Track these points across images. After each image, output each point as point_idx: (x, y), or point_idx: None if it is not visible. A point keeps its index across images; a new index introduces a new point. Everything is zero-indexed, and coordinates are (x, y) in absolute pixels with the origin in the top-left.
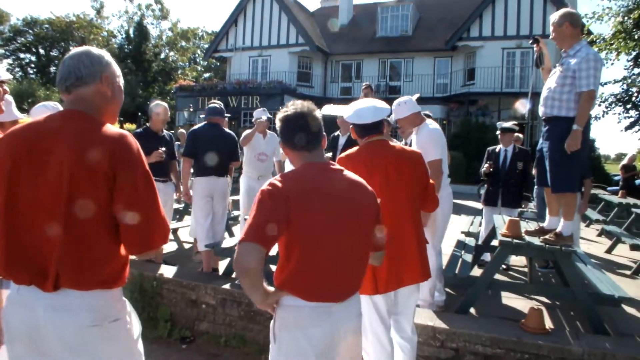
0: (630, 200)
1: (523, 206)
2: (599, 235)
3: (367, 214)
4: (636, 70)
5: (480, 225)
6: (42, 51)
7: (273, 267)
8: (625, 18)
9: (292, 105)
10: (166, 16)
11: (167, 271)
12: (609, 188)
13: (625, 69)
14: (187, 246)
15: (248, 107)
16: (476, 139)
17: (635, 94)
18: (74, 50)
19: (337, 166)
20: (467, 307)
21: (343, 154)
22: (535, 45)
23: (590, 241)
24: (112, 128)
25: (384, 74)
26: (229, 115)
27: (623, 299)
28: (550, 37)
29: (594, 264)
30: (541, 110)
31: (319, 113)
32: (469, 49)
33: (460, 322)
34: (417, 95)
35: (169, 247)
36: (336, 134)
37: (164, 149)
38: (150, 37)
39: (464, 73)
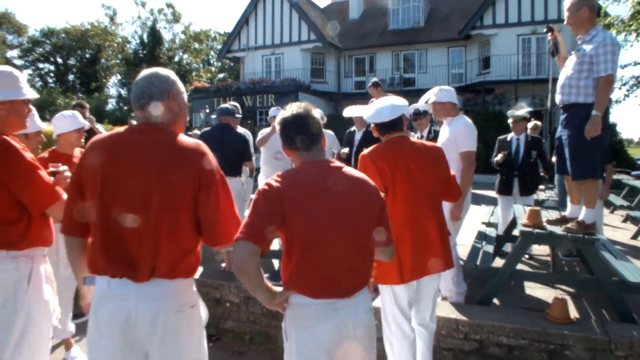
0: None
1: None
2: (624, 221)
3: (369, 209)
4: None
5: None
6: (60, 60)
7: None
8: None
9: (291, 107)
10: (178, 19)
11: None
12: (633, 172)
13: None
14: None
15: (263, 106)
16: (494, 128)
17: None
18: (144, 71)
19: (337, 164)
20: (490, 298)
21: (365, 151)
22: (549, 34)
23: (615, 228)
24: (188, 139)
25: (398, 67)
26: (240, 115)
27: None
28: (565, 22)
29: (619, 251)
30: (558, 98)
31: (317, 113)
32: (483, 37)
33: (483, 314)
34: (437, 89)
35: None
36: (352, 129)
37: None
38: (163, 41)
39: (479, 62)
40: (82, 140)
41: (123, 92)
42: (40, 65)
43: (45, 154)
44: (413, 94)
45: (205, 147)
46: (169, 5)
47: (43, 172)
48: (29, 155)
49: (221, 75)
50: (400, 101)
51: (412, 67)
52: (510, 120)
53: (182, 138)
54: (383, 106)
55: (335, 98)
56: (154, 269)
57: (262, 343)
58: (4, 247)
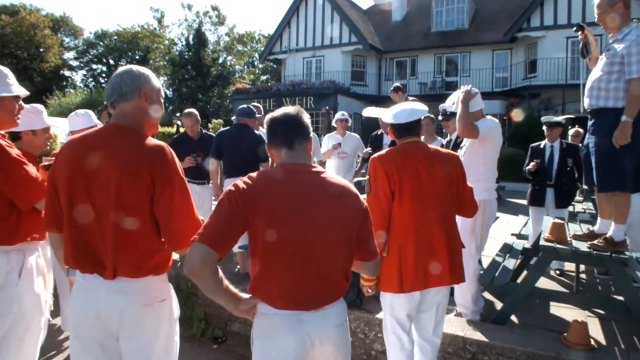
0: None
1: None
2: None
3: (346, 218)
4: None
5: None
6: (111, 61)
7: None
8: None
9: (281, 109)
10: (223, 22)
11: None
12: None
13: None
14: None
15: (302, 108)
16: (538, 135)
17: None
18: (119, 69)
19: (318, 168)
20: (505, 317)
21: (375, 155)
22: (580, 33)
23: None
24: (151, 141)
25: (440, 70)
26: (259, 116)
27: None
28: (596, 19)
29: None
30: (586, 102)
31: (306, 118)
32: (530, 39)
33: (495, 333)
34: (476, 91)
35: None
36: (379, 132)
37: (195, 154)
38: (208, 43)
39: (525, 65)
40: None
41: (169, 92)
42: (94, 67)
43: (58, 151)
44: None
45: (166, 149)
46: (214, 8)
47: (30, 168)
48: (14, 151)
49: (264, 77)
50: (420, 106)
51: (455, 70)
52: (544, 127)
53: (146, 140)
54: (401, 109)
55: (375, 101)
56: (116, 269)
57: None
58: None
